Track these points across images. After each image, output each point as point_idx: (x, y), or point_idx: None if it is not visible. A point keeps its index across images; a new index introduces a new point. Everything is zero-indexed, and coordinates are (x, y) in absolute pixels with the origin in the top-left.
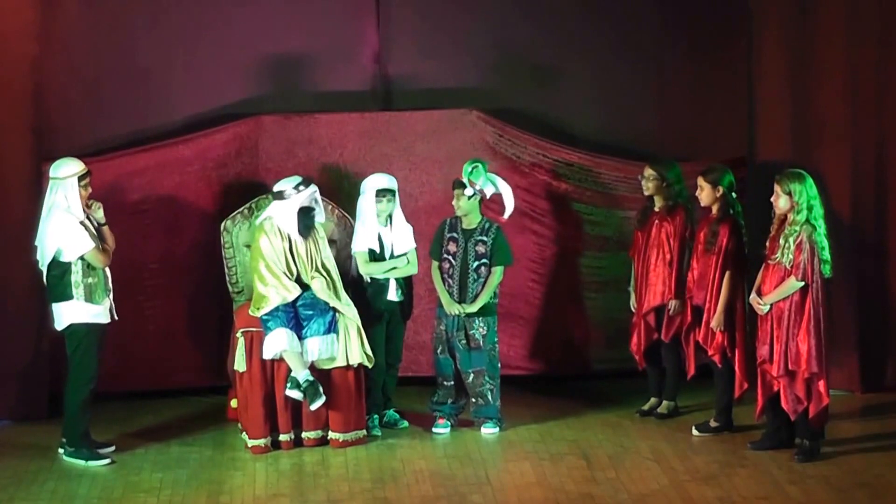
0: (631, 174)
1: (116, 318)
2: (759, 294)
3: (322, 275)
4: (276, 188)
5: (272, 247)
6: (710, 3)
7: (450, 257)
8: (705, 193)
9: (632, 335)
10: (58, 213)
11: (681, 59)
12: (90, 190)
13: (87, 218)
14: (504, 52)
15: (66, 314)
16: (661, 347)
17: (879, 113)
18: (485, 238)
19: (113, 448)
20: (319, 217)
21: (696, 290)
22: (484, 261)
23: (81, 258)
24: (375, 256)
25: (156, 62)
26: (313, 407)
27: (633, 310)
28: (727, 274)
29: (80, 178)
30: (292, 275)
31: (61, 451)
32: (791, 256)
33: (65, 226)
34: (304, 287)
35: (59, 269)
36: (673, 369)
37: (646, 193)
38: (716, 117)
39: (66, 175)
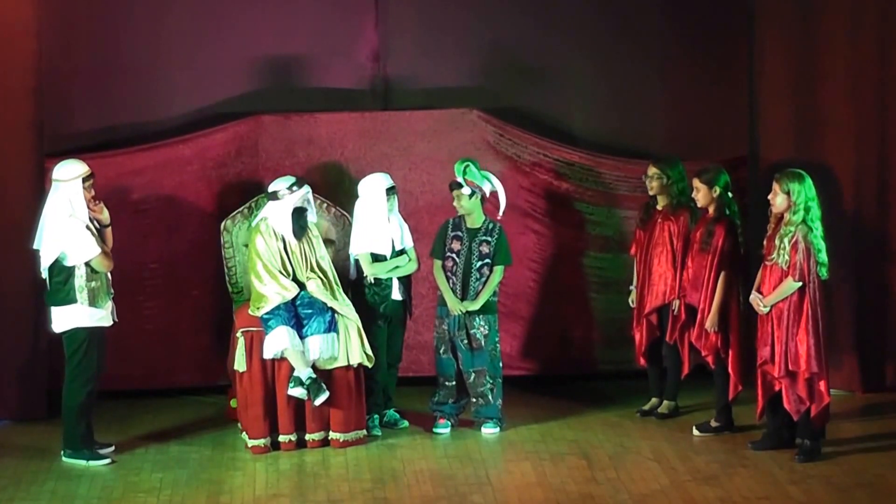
0: (632, 173)
1: (116, 320)
2: (760, 293)
3: (317, 275)
4: (270, 188)
5: (268, 247)
6: (711, 2)
7: (454, 255)
8: (702, 194)
9: (633, 334)
10: (62, 216)
11: (682, 58)
12: (93, 192)
13: (91, 220)
14: (504, 51)
15: (69, 318)
16: (661, 347)
17: (881, 111)
18: (489, 238)
19: (113, 448)
20: (312, 217)
21: (690, 290)
22: (487, 260)
23: (87, 263)
24: (378, 257)
25: (155, 61)
26: (317, 402)
27: (632, 306)
28: (722, 274)
29: (84, 180)
30: (289, 274)
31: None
32: (787, 257)
33: (70, 230)
34: (302, 286)
35: (63, 273)
36: (674, 369)
37: (650, 193)
38: (717, 116)
39: (69, 177)
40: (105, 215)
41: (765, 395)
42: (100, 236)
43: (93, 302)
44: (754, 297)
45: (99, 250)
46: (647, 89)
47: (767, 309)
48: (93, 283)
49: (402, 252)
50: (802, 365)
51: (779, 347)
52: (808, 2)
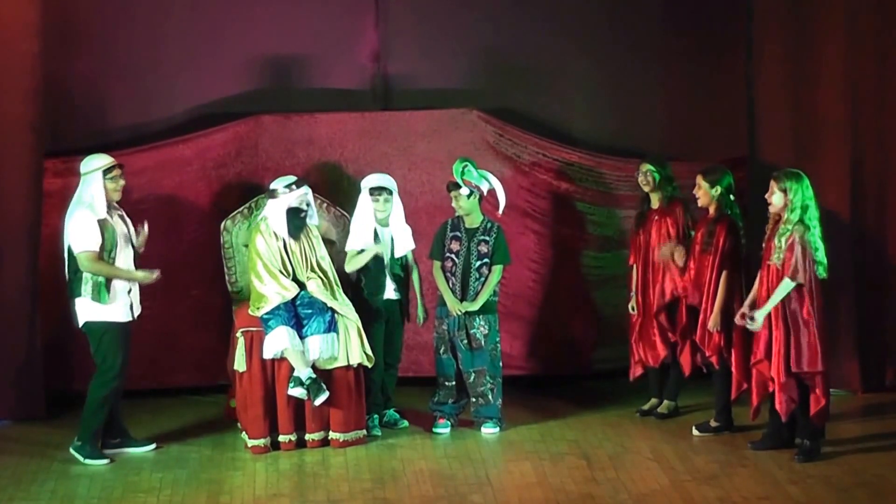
0: (632, 173)
1: (135, 317)
2: (755, 305)
3: (318, 275)
4: (270, 186)
5: (268, 246)
6: (710, 3)
7: (453, 255)
8: (702, 192)
9: (635, 339)
10: (79, 208)
11: (681, 59)
12: (122, 182)
13: (121, 217)
14: (504, 51)
15: (80, 312)
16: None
17: (879, 113)
18: (487, 238)
19: (154, 445)
20: (312, 220)
21: (692, 291)
22: (486, 260)
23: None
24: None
25: (155, 61)
26: (317, 402)
27: (632, 312)
28: (724, 274)
29: (106, 172)
30: (289, 274)
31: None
32: (783, 257)
33: (80, 221)
34: (302, 286)
35: (74, 264)
36: (678, 368)
37: (645, 189)
38: (716, 117)
39: (90, 169)
40: (141, 274)
41: (759, 394)
42: (129, 235)
43: (96, 296)
44: (741, 315)
45: (92, 249)
46: (647, 90)
47: (758, 323)
48: (99, 278)
49: (403, 257)
50: (804, 365)
51: (776, 347)
52: (806, 3)
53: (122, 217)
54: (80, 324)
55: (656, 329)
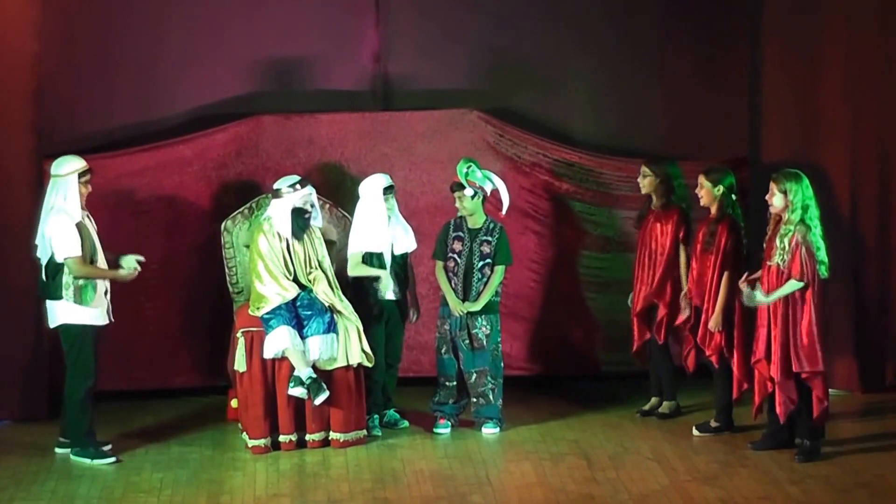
0: (633, 174)
1: (112, 320)
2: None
3: (322, 275)
4: (274, 186)
5: (270, 246)
6: (712, 3)
7: (455, 256)
8: (704, 192)
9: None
10: (55, 214)
11: (683, 58)
12: (90, 188)
13: (89, 218)
14: (504, 51)
15: (58, 314)
16: (654, 347)
17: (881, 112)
18: (489, 238)
19: (110, 446)
20: (316, 222)
21: (694, 291)
22: (488, 261)
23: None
24: (371, 259)
25: (155, 61)
26: (317, 402)
27: (629, 306)
28: (725, 274)
29: (81, 175)
30: (290, 275)
31: (59, 450)
32: (787, 258)
33: (59, 226)
34: (302, 287)
35: (54, 268)
36: (668, 370)
37: (642, 191)
38: (718, 117)
39: (65, 172)
40: (123, 272)
41: (760, 394)
42: (95, 243)
43: (78, 299)
44: (746, 290)
45: (77, 253)
46: (648, 90)
47: (756, 298)
48: (79, 281)
49: (403, 256)
50: (804, 365)
51: (775, 346)
52: (808, 3)
53: (89, 218)
54: (55, 325)
55: (636, 328)
